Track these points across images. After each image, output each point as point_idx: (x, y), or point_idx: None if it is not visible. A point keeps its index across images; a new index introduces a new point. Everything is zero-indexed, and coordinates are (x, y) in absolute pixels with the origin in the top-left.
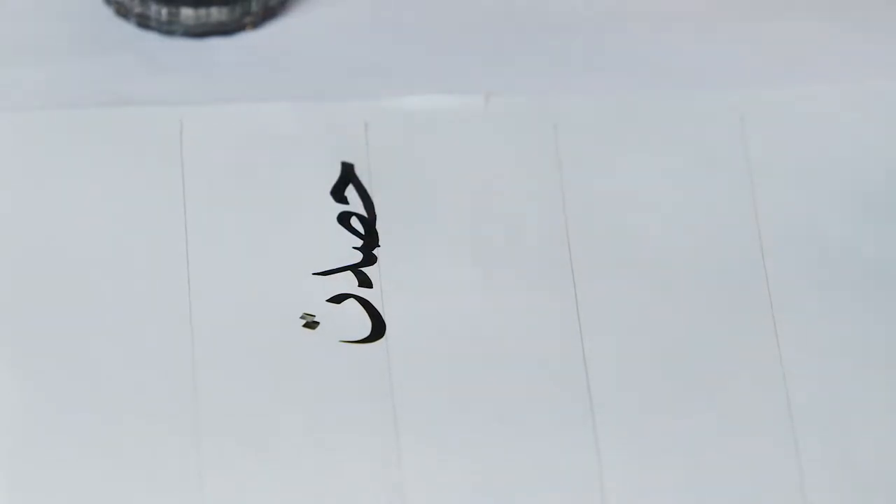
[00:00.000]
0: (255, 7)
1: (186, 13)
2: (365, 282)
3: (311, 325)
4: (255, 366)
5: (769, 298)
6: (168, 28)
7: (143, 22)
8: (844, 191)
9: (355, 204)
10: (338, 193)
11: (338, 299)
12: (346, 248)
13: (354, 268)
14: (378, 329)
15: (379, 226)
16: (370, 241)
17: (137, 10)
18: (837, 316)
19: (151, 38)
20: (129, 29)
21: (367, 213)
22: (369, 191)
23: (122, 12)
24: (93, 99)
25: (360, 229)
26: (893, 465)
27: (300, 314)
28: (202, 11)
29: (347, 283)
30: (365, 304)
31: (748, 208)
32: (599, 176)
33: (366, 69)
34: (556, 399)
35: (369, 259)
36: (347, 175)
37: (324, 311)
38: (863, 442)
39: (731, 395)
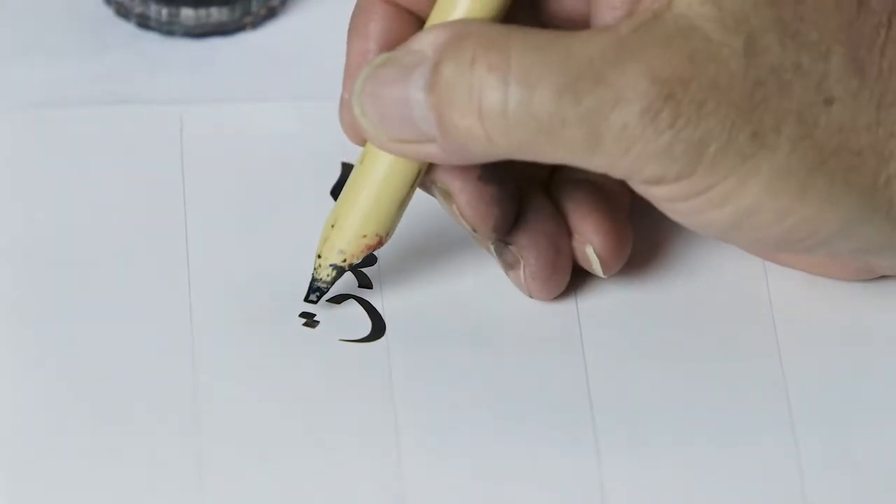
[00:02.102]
0: (255, 7)
1: (187, 13)
2: (365, 282)
3: (311, 324)
4: (255, 365)
5: (769, 298)
6: (168, 28)
7: (144, 22)
8: None
9: None
10: (338, 193)
11: (337, 299)
12: None
13: (354, 268)
14: (378, 328)
15: None
16: None
17: (138, 10)
18: (837, 315)
19: (151, 39)
20: (129, 29)
21: None
22: None
23: (123, 12)
24: (93, 99)
25: None
26: (893, 465)
27: (299, 313)
28: (202, 12)
29: (347, 283)
30: (364, 303)
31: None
32: None
33: None
34: (556, 399)
35: (369, 259)
36: (348, 175)
37: (323, 311)
38: (863, 442)
39: (731, 396)
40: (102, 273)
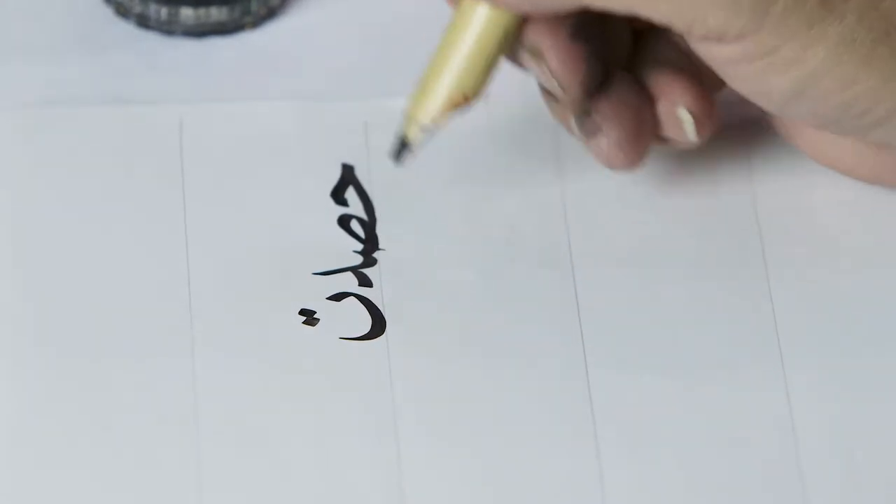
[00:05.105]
0: (254, 7)
1: (186, 13)
2: (365, 282)
3: (311, 322)
4: (255, 364)
5: (769, 297)
6: (168, 28)
7: (143, 21)
8: (845, 185)
9: (355, 206)
10: (338, 195)
11: (338, 297)
12: (347, 250)
13: (355, 269)
14: (378, 326)
15: (379, 228)
16: (370, 244)
17: (137, 9)
18: (838, 315)
19: (151, 38)
20: (128, 28)
21: (368, 216)
22: (369, 192)
23: (122, 12)
24: (93, 98)
25: (361, 233)
26: (893, 465)
27: (298, 310)
28: (202, 11)
29: (348, 282)
30: (365, 301)
31: (749, 206)
32: (599, 175)
33: (366, 69)
34: (557, 399)
35: (370, 261)
36: (348, 177)
37: (323, 309)
38: (863, 442)
39: (732, 397)
40: (102, 273)
